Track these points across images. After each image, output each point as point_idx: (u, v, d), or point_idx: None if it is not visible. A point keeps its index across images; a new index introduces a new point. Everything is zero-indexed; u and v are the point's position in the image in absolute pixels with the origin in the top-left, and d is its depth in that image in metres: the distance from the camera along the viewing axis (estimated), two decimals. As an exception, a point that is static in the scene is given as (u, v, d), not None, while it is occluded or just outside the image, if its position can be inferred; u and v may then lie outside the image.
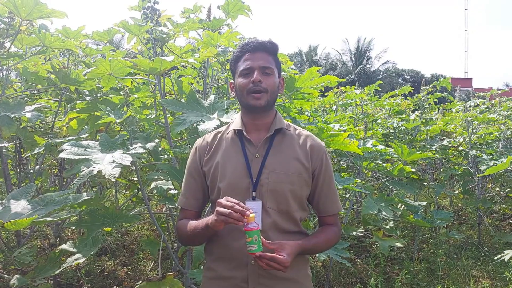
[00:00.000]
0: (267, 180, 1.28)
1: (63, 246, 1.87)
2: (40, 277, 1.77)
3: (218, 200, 1.15)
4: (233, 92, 1.38)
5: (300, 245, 1.24)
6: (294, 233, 1.32)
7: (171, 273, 1.78)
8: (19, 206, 1.49)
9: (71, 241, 1.93)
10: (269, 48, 1.32)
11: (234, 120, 1.41)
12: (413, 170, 3.16)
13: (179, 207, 1.42)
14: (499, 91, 5.93)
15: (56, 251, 1.90)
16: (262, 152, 1.31)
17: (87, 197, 1.55)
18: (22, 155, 2.49)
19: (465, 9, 47.53)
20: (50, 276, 2.04)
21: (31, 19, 2.12)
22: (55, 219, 1.40)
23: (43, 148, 2.14)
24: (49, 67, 2.30)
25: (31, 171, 2.59)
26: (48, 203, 1.50)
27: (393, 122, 4.54)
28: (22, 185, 2.46)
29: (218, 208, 1.13)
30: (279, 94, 1.42)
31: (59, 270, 1.78)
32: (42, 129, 2.57)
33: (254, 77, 1.26)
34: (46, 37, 2.12)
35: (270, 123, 1.35)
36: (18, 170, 2.48)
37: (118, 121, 1.78)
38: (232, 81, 1.39)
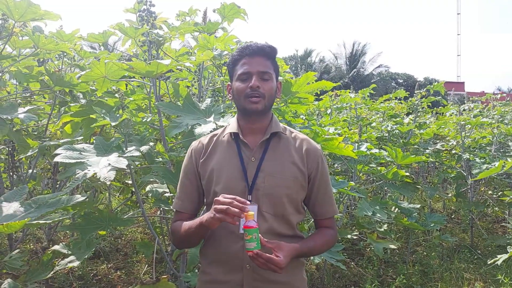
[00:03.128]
0: (263, 184, 1.27)
1: (56, 247, 1.85)
2: (32, 281, 1.75)
3: (216, 198, 1.14)
4: (230, 95, 1.37)
5: (297, 249, 1.24)
6: (290, 237, 1.31)
7: (165, 276, 1.77)
8: (11, 208, 1.47)
9: (63, 243, 1.91)
10: (268, 53, 1.31)
11: (230, 123, 1.41)
12: (407, 174, 3.17)
13: (174, 210, 1.41)
14: (498, 95, 5.96)
15: (49, 252, 1.88)
16: (258, 156, 1.31)
17: (80, 199, 1.53)
18: (15, 158, 2.47)
19: (458, 14, 48.11)
20: (42, 280, 2.02)
21: (25, 20, 2.10)
22: (47, 221, 1.38)
23: (37, 150, 2.12)
24: (43, 70, 2.28)
25: (24, 174, 2.57)
26: (40, 206, 1.48)
27: (388, 126, 4.56)
28: (15, 188, 2.43)
29: (215, 206, 1.11)
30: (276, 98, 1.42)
31: (51, 273, 1.76)
32: (35, 133, 2.54)
33: (252, 82, 1.25)
34: (40, 39, 2.10)
35: (266, 127, 1.34)
36: (11, 173, 2.46)
37: (113, 124, 1.77)
38: (229, 83, 1.38)
